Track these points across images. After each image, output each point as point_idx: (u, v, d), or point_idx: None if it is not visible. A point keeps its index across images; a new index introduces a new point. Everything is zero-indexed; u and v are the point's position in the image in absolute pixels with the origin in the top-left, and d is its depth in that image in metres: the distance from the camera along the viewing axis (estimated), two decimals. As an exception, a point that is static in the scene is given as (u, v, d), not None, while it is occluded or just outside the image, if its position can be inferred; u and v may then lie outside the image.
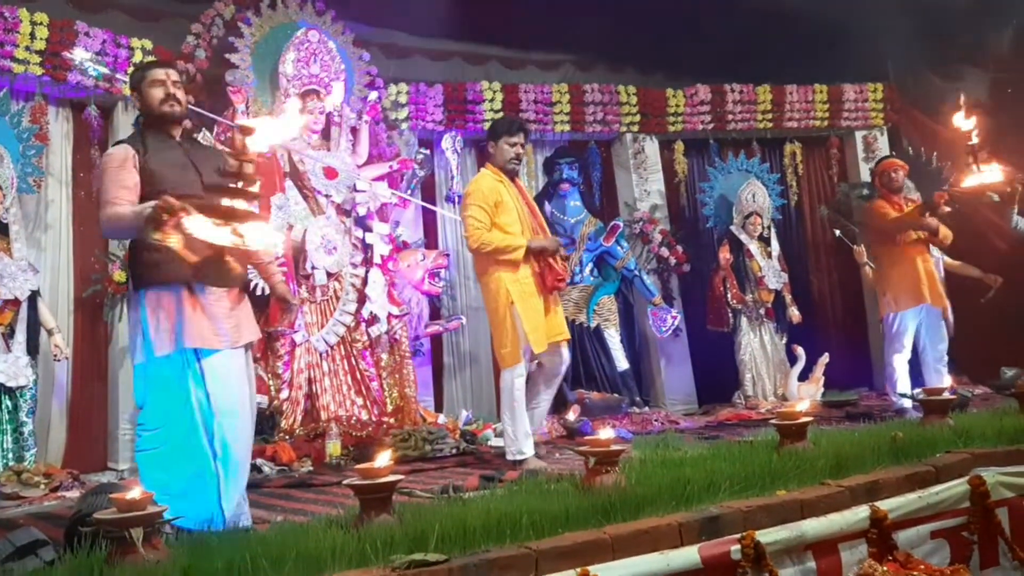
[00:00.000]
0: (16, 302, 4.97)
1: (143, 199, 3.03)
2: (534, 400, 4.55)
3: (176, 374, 3.03)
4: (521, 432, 4.31)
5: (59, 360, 5.22)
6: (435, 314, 6.76)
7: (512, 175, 4.54)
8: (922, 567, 2.70)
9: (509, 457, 4.34)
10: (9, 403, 4.90)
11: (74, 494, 4.45)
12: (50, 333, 5.13)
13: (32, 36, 5.33)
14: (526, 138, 4.60)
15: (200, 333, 3.02)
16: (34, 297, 5.07)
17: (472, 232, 4.33)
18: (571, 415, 5.95)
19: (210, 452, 3.01)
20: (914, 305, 5.50)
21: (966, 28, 7.25)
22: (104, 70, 5.49)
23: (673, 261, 7.44)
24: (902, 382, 5.55)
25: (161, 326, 3.01)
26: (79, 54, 5.36)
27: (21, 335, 4.97)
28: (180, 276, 3.01)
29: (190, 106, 5.57)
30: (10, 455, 4.85)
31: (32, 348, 5.03)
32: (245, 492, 3.19)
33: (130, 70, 5.47)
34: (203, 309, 3.05)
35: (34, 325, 5.05)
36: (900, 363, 5.56)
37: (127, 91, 5.68)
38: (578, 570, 2.22)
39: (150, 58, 5.75)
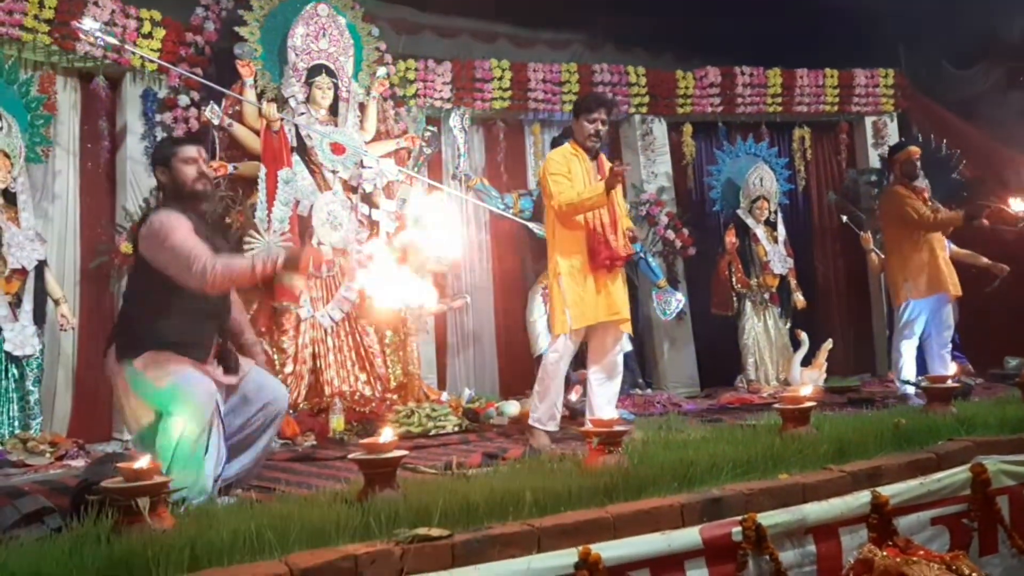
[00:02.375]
0: (23, 271, 4.98)
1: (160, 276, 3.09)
2: (593, 387, 4.45)
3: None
4: (547, 404, 4.34)
5: (65, 330, 5.24)
6: (440, 292, 6.75)
7: (592, 152, 4.50)
8: (922, 553, 2.71)
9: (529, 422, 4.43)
10: (16, 372, 4.93)
11: (79, 463, 4.48)
12: (57, 303, 5.15)
13: (41, 5, 5.31)
14: (608, 113, 4.48)
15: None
16: (41, 267, 5.08)
17: (555, 193, 4.27)
18: (573, 396, 5.96)
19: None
20: (935, 293, 5.50)
21: (979, 15, 7.18)
22: (112, 40, 5.46)
23: (679, 244, 7.43)
24: (908, 369, 5.56)
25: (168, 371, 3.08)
26: (88, 23, 5.33)
27: (28, 304, 4.98)
28: (182, 353, 3.11)
29: (201, 79, 5.59)
30: (16, 423, 4.88)
31: (39, 317, 5.04)
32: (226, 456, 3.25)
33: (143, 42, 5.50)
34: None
35: (41, 295, 5.06)
36: (908, 350, 5.57)
37: (135, 62, 5.70)
38: (580, 548, 2.23)
39: (159, 29, 5.73)
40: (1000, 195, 5.95)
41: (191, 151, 3.25)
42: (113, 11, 5.56)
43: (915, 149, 5.91)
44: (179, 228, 3.04)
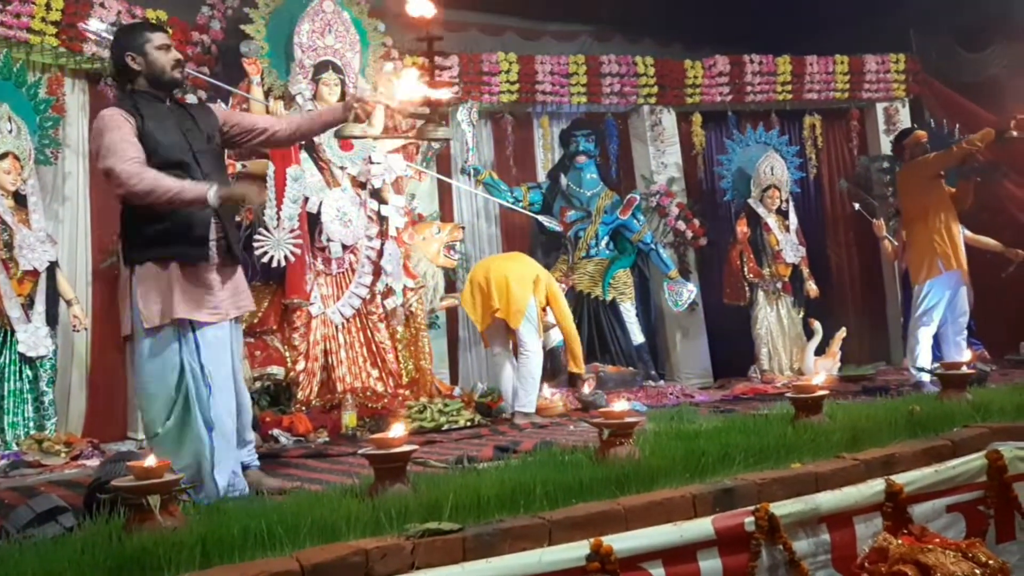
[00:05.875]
0: (35, 273, 5.01)
1: None
2: None
3: (169, 348, 3.03)
4: None
5: (78, 331, 5.26)
6: (450, 287, 6.75)
7: None
8: (937, 541, 2.69)
9: None
10: (30, 373, 4.96)
11: (94, 462, 4.49)
12: (69, 304, 5.18)
13: (48, 7, 5.32)
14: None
15: (189, 306, 3.02)
16: (52, 268, 5.10)
17: None
18: (586, 388, 5.95)
19: (205, 425, 3.02)
20: (949, 269, 5.44)
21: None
22: (119, 41, 5.48)
23: (690, 235, 7.39)
24: (924, 356, 5.51)
25: (150, 300, 3.01)
26: (95, 25, 5.35)
27: (40, 305, 5.01)
28: (170, 252, 3.01)
29: (208, 78, 5.60)
30: (31, 424, 4.92)
31: (51, 319, 5.07)
32: (239, 466, 3.21)
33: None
34: (193, 283, 3.05)
35: (53, 296, 5.09)
36: (925, 337, 5.51)
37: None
38: (591, 540, 2.23)
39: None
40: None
41: (164, 37, 3.16)
42: (119, 12, 5.57)
43: (922, 133, 5.86)
44: (118, 128, 2.94)
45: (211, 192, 2.92)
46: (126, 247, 3.12)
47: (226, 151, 3.57)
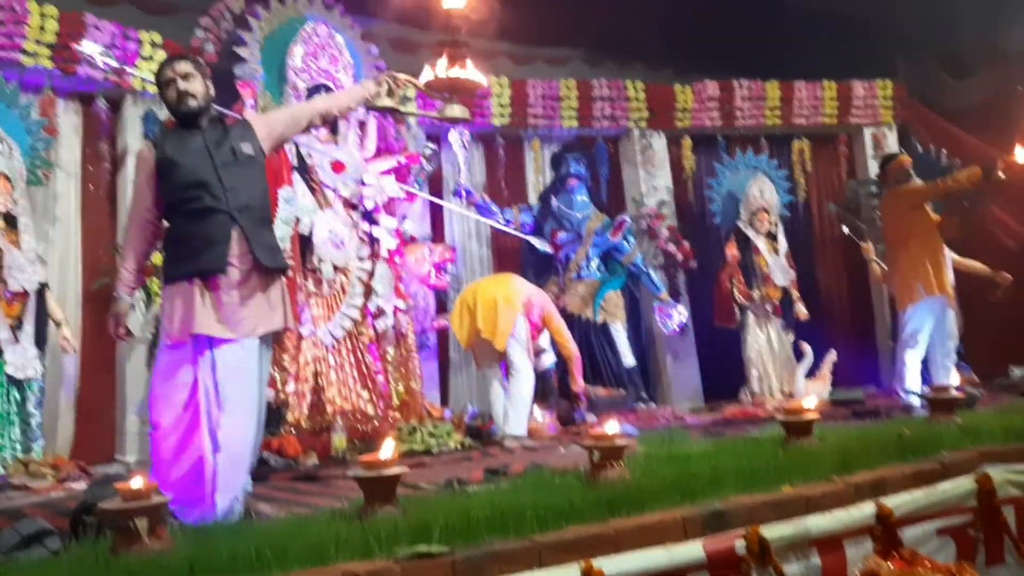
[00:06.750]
0: (24, 294, 4.99)
1: (160, 190, 3.13)
2: None
3: (186, 363, 3.03)
4: None
5: (67, 352, 5.24)
6: (441, 308, 6.76)
7: None
8: (927, 564, 2.68)
9: None
10: (17, 395, 4.93)
11: (81, 486, 4.45)
12: (58, 325, 5.15)
13: (42, 29, 5.35)
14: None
15: (207, 321, 3.02)
16: (42, 289, 5.09)
17: None
18: (582, 410, 5.97)
19: (211, 445, 2.99)
20: (931, 295, 5.48)
21: (977, 25, 7.21)
22: (113, 63, 5.51)
23: (680, 257, 7.43)
24: (912, 379, 5.53)
25: (174, 315, 3.05)
26: (88, 47, 5.38)
27: (29, 327, 4.99)
28: (192, 268, 3.04)
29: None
30: (18, 446, 4.88)
31: (40, 340, 5.05)
32: (241, 492, 3.08)
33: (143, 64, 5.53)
34: (214, 300, 3.05)
35: (42, 317, 5.07)
36: (913, 360, 5.54)
37: (136, 84, 5.74)
38: (582, 563, 2.22)
39: (159, 52, 5.77)
40: (1006, 151, 5.85)
41: (167, 72, 3.20)
42: (113, 34, 5.61)
43: (906, 159, 5.91)
44: (141, 171, 3.19)
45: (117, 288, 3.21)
46: (164, 267, 3.23)
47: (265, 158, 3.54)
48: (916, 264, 5.54)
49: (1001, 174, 5.31)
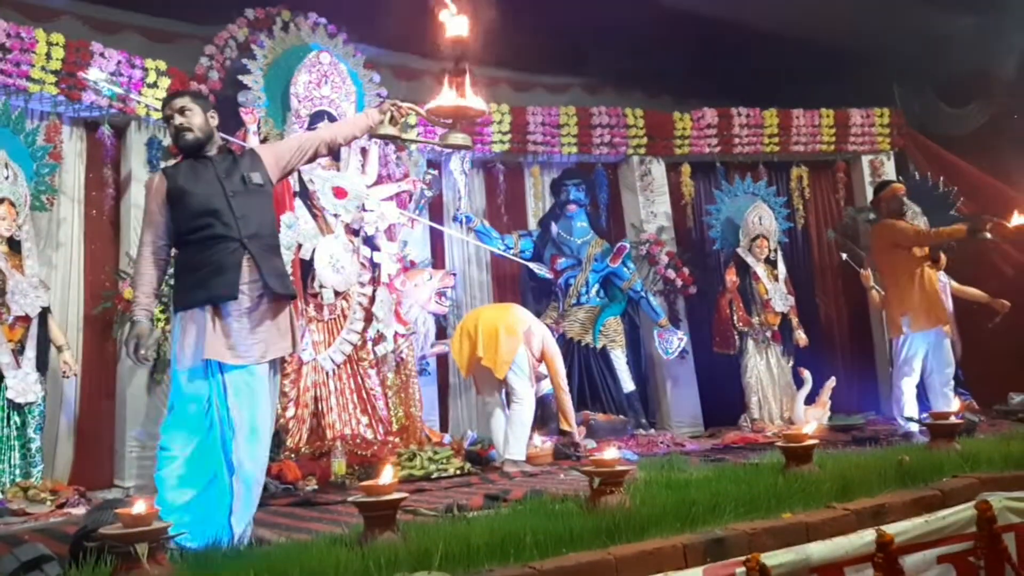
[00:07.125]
0: (27, 319, 5.00)
1: (172, 219, 3.18)
2: None
3: (198, 389, 3.07)
4: None
5: (68, 377, 5.24)
6: (441, 333, 6.77)
7: None
8: (928, 591, 2.68)
9: None
10: (18, 419, 4.92)
11: (80, 511, 4.45)
12: (59, 350, 5.16)
13: (48, 56, 5.40)
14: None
15: (218, 348, 3.06)
16: (44, 314, 5.10)
17: None
18: (578, 436, 5.95)
19: (227, 469, 3.03)
20: (931, 327, 5.50)
21: (972, 54, 7.29)
22: (118, 90, 5.57)
23: (679, 283, 7.45)
24: (910, 406, 5.54)
25: (187, 342, 3.09)
26: (94, 74, 5.43)
27: (31, 351, 4.99)
28: (202, 296, 3.08)
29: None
30: (17, 471, 4.86)
31: (41, 365, 5.05)
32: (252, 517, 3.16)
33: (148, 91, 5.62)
34: (225, 326, 3.10)
35: (44, 342, 5.07)
36: (909, 387, 5.55)
37: (140, 111, 5.80)
38: (582, 590, 2.22)
39: (164, 79, 5.83)
40: (997, 211, 5.91)
41: (166, 111, 3.29)
42: (119, 62, 5.66)
43: (899, 186, 5.96)
44: (151, 200, 3.24)
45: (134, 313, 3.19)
46: (174, 295, 3.28)
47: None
48: (904, 298, 5.58)
49: (988, 234, 5.35)
